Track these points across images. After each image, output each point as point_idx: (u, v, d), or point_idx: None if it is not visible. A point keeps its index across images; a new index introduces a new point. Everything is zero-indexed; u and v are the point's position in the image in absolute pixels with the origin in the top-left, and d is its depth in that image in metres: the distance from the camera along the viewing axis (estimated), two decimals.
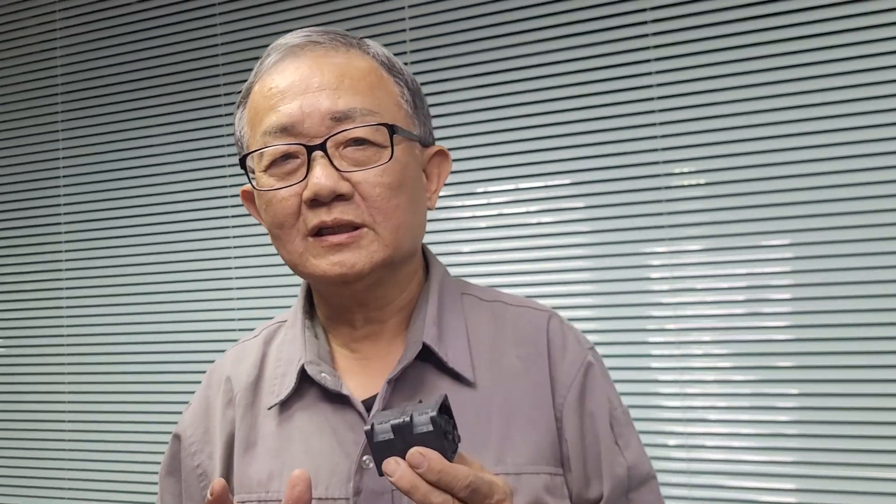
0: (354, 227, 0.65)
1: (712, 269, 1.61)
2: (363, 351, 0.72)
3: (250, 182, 0.71)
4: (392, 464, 0.53)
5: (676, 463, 1.60)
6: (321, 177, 0.64)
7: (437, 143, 0.76)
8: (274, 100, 0.67)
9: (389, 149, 0.66)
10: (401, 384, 0.68)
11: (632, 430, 0.74)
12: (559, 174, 1.73)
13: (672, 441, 1.61)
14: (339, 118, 0.65)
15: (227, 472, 0.72)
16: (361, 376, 0.71)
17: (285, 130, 0.65)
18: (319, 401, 0.69)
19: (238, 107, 0.73)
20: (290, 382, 0.70)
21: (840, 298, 1.51)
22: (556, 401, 0.70)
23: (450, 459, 0.53)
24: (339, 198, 0.64)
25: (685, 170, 1.64)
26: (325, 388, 0.68)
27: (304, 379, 0.70)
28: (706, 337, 1.60)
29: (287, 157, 0.66)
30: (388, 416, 0.55)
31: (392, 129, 0.66)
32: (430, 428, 0.53)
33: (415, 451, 0.52)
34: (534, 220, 1.75)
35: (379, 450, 0.54)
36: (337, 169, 0.65)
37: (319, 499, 0.65)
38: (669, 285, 1.63)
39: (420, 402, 0.57)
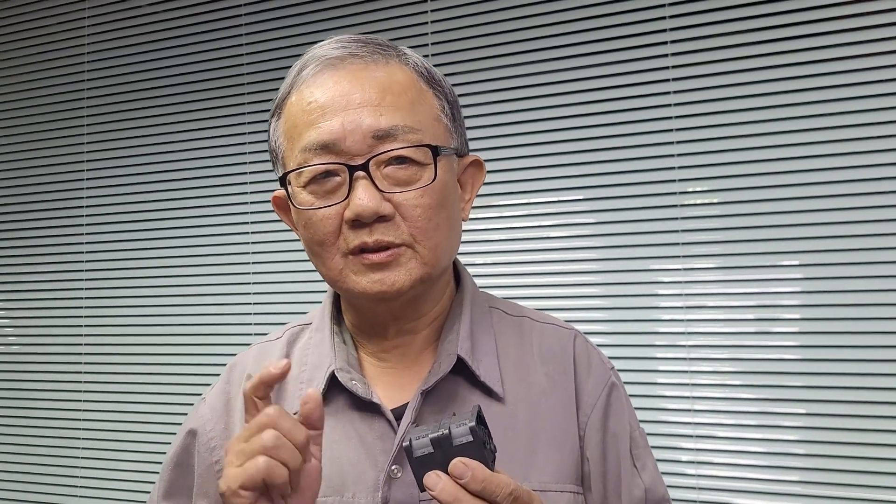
0: (394, 245, 0.64)
1: (723, 287, 1.62)
2: (392, 361, 0.72)
3: (288, 196, 0.69)
4: (433, 477, 0.52)
5: (684, 479, 1.61)
6: (364, 198, 0.63)
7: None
8: (314, 115, 0.65)
9: (431, 168, 0.65)
10: (433, 396, 0.68)
11: (648, 453, 0.75)
12: (572, 189, 1.75)
13: (680, 457, 1.62)
14: (382, 136, 0.64)
15: None
16: (389, 385, 0.71)
17: (326, 148, 0.64)
18: (347, 408, 0.69)
19: (273, 116, 0.71)
20: (317, 388, 0.68)
21: (849, 320, 1.52)
22: (579, 419, 0.71)
23: (490, 469, 0.52)
24: (381, 219, 0.64)
25: (699, 188, 1.66)
26: (353, 396, 0.68)
27: (332, 385, 0.69)
28: (716, 354, 1.61)
29: (327, 174, 0.65)
30: (423, 430, 0.53)
31: (435, 151, 0.65)
32: (471, 438, 0.52)
33: (458, 462, 0.51)
34: (545, 234, 1.77)
35: (419, 465, 0.52)
36: (379, 189, 0.64)
37: None
38: (681, 302, 1.65)
39: (454, 415, 0.55)
